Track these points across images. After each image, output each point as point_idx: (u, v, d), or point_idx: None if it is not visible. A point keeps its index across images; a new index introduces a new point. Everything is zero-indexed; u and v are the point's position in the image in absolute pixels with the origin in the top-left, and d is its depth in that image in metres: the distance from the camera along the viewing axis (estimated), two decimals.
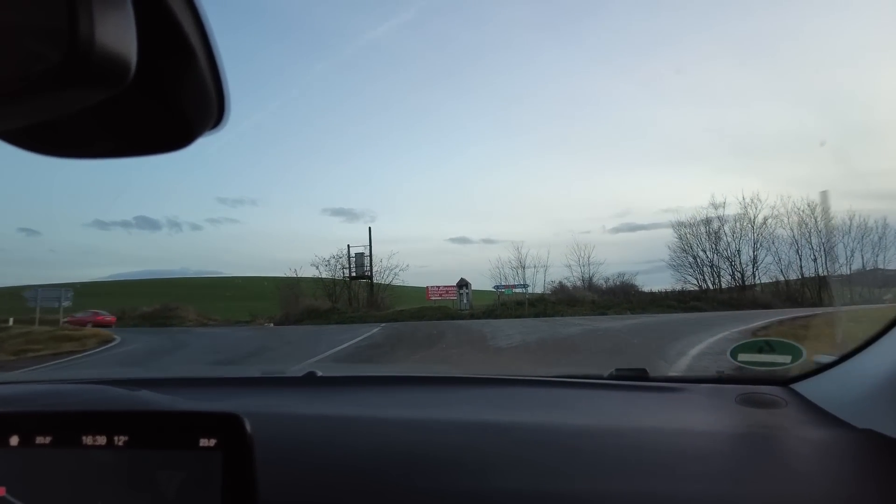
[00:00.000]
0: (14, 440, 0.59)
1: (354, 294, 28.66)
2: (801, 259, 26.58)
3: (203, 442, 0.57)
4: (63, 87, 0.35)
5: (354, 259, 28.95)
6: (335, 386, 1.12)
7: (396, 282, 29.29)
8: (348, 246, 29.27)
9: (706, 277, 28.57)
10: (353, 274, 28.71)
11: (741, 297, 24.97)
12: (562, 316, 20.18)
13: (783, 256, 27.12)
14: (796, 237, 27.02)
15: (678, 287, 27.82)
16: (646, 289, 26.71)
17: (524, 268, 28.22)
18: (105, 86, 0.37)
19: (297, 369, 1.21)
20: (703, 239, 28.69)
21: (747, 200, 29.12)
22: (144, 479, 0.58)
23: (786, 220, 27.54)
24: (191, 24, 0.46)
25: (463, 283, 25.47)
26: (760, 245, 27.71)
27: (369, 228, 31.88)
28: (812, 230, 26.70)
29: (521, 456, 0.76)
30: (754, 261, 27.85)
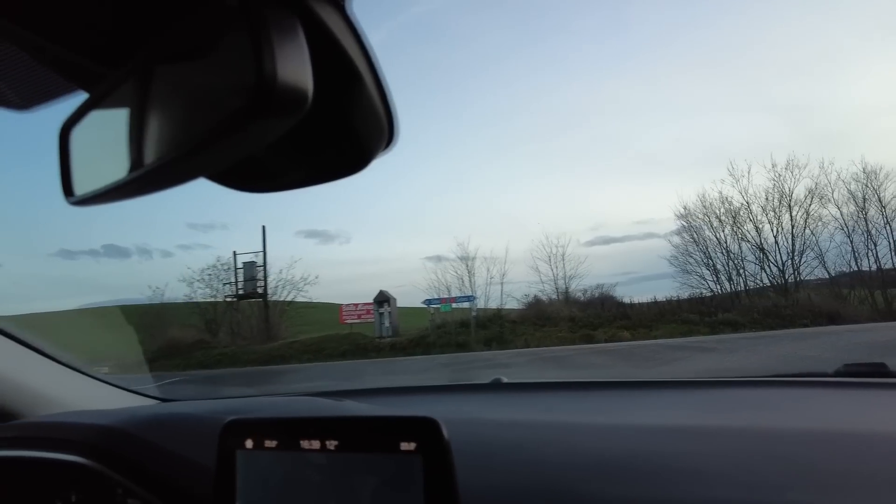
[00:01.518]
0: (249, 443, 0.68)
1: (246, 317, 20.31)
2: (853, 249, 17.71)
3: (403, 446, 0.60)
4: (254, 122, 0.39)
5: (243, 270, 20.34)
6: (522, 392, 1.11)
7: (303, 298, 20.79)
8: (234, 253, 20.73)
9: (724, 278, 19.59)
10: (241, 291, 20.23)
11: (794, 305, 16.30)
12: (511, 348, 14.08)
13: (831, 245, 18.36)
14: (845, 220, 18.20)
15: (685, 295, 19.12)
16: (636, 299, 18.92)
17: (471, 274, 19.63)
18: (289, 115, 0.40)
19: (483, 377, 1.22)
20: (720, 222, 19.65)
21: (781, 167, 19.53)
22: (351, 479, 0.62)
23: (832, 194, 18.60)
24: (355, 48, 0.48)
25: (383, 299, 17.97)
26: (807, 228, 18.71)
27: (263, 227, 20.63)
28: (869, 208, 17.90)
29: (729, 464, 0.67)
30: (793, 252, 18.53)
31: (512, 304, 19.78)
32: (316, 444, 0.64)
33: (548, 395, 1.08)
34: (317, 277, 21.77)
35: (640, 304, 18.31)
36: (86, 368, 1.34)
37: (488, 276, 19.95)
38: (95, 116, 0.57)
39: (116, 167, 0.55)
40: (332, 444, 0.63)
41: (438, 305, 18.03)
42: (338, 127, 0.54)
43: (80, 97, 0.62)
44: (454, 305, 17.97)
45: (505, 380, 1.17)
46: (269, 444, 0.67)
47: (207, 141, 0.42)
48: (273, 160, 0.57)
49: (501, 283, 19.95)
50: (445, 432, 0.59)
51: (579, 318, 16.76)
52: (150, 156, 0.50)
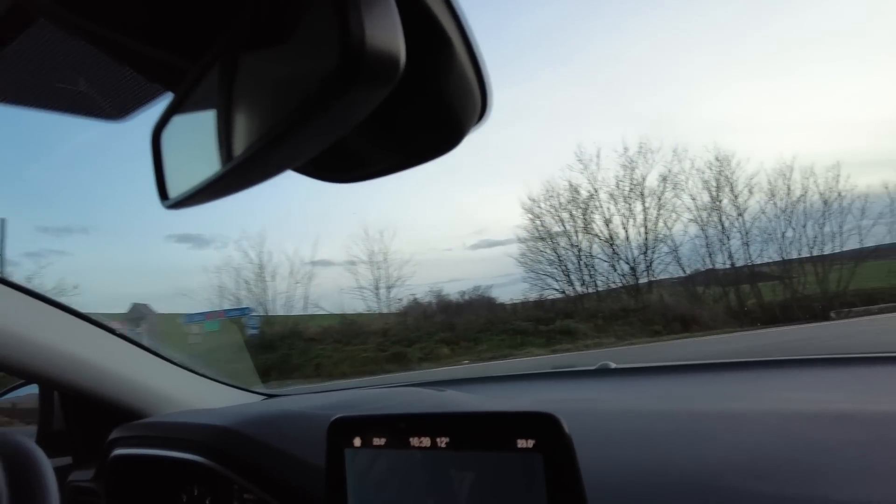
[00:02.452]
0: (357, 441, 0.66)
1: None
2: (708, 243, 15.11)
3: (521, 443, 0.55)
4: (341, 94, 0.35)
5: None
6: (633, 377, 1.03)
7: None
8: None
9: (576, 278, 16.19)
10: None
11: (644, 309, 13.76)
12: (292, 379, 11.44)
13: (686, 238, 15.62)
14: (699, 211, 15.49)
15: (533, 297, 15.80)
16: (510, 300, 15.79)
17: (268, 279, 15.33)
18: (379, 84, 0.36)
19: (588, 363, 1.15)
20: (571, 215, 16.43)
21: (633, 151, 16.62)
22: (465, 478, 0.58)
23: (686, 182, 15.90)
24: (447, 15, 0.43)
25: (138, 315, 12.11)
26: (660, 220, 15.95)
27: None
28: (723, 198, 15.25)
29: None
30: (646, 247, 15.88)
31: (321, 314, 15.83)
32: (426, 442, 0.60)
33: (662, 380, 0.99)
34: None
35: (475, 309, 15.28)
36: (197, 368, 1.40)
37: (291, 280, 15.78)
38: (182, 115, 0.55)
39: (207, 165, 0.53)
40: (443, 442, 0.60)
41: (202, 322, 13.31)
42: (428, 102, 0.49)
43: (168, 98, 0.62)
44: (224, 320, 13.53)
45: (613, 365, 1.09)
46: (378, 441, 0.64)
47: (295, 122, 0.39)
48: (362, 146, 0.54)
49: (307, 291, 15.87)
50: (566, 428, 0.53)
51: (394, 332, 13.74)
52: (238, 149, 0.47)
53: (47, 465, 0.65)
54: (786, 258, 14.90)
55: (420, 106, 0.50)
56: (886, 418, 0.65)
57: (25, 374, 1.20)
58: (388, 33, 0.34)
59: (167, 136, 0.58)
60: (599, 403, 0.86)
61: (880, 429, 0.63)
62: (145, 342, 1.32)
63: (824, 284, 13.93)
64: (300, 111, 0.37)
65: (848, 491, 0.54)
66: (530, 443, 0.54)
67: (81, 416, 1.28)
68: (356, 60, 0.33)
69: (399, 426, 0.62)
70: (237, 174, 0.48)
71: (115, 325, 1.27)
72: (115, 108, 0.65)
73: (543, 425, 0.54)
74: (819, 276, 14.17)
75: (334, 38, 0.33)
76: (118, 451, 1.02)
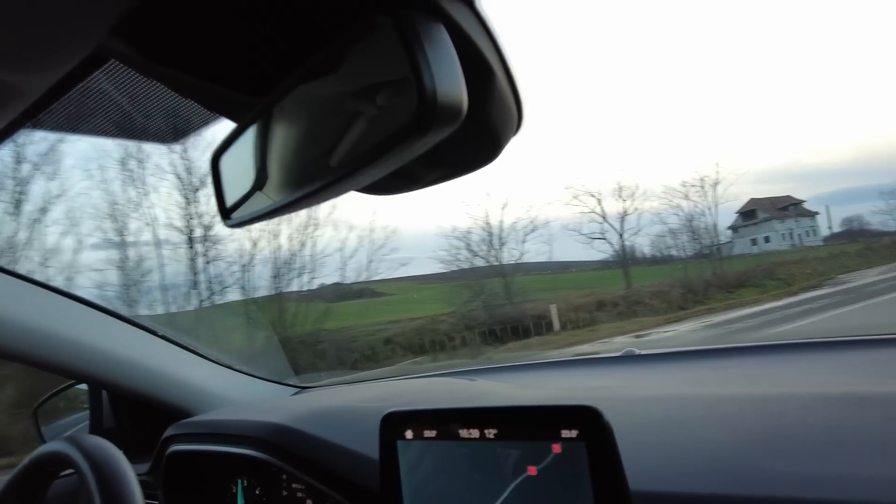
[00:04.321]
0: (409, 433, 0.71)
1: None
2: None
3: (565, 433, 0.60)
4: (416, 138, 0.40)
5: None
6: (658, 363, 1.08)
7: None
8: None
9: None
10: None
11: None
12: None
13: None
14: None
15: None
16: None
17: None
18: (448, 126, 0.40)
19: (613, 349, 1.20)
20: None
21: None
22: (512, 467, 0.64)
23: None
24: (486, 42, 0.47)
25: None
26: None
27: None
28: None
29: None
30: None
31: None
32: (475, 433, 0.66)
33: (685, 365, 1.04)
34: None
35: None
36: (234, 364, 1.46)
37: None
38: (244, 144, 0.60)
39: (271, 191, 0.58)
40: (490, 433, 0.65)
41: None
42: (472, 123, 0.54)
43: (224, 124, 0.66)
44: None
45: (637, 351, 1.13)
46: (429, 434, 0.69)
47: (368, 159, 0.43)
48: (413, 165, 0.58)
49: None
50: (607, 419, 0.58)
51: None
52: (305, 178, 0.52)
53: (131, 470, 0.71)
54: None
55: (464, 127, 0.54)
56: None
57: (74, 375, 1.27)
58: (454, 86, 0.39)
59: (227, 161, 0.62)
60: (627, 390, 0.91)
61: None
62: (184, 341, 1.39)
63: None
64: (374, 150, 0.42)
65: (869, 468, 0.59)
66: (574, 433, 0.59)
67: (129, 413, 1.34)
68: (430, 112, 0.37)
69: (449, 419, 0.68)
70: (299, 201, 0.53)
71: None
72: (172, 133, 0.69)
73: (586, 416, 0.59)
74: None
75: (411, 93, 0.37)
76: (175, 448, 1.08)
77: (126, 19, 0.45)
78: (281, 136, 0.54)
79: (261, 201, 0.58)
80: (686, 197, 12.50)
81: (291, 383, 1.58)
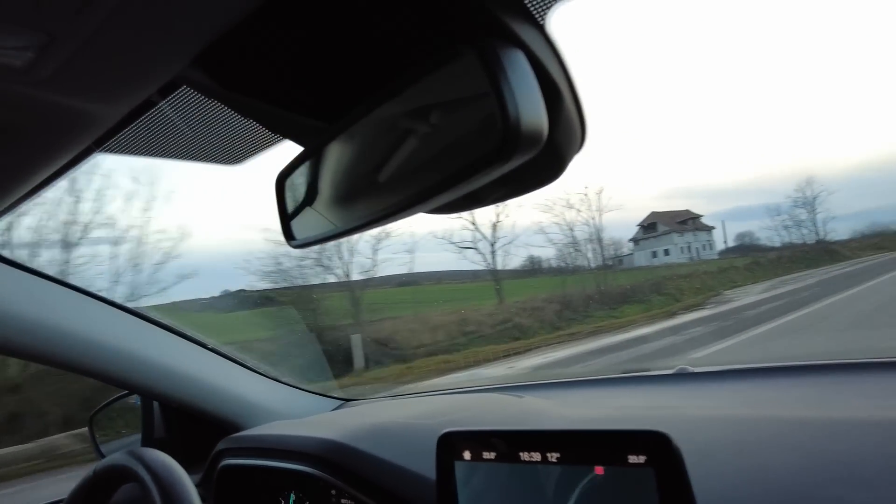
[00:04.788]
0: (467, 454, 0.71)
1: None
2: None
3: (632, 458, 0.58)
4: (498, 165, 0.40)
5: None
6: (715, 381, 1.05)
7: None
8: None
9: None
10: None
11: None
12: None
13: None
14: None
15: None
16: None
17: None
18: (529, 152, 0.40)
19: (663, 366, 1.17)
20: None
21: None
22: (576, 492, 0.62)
23: None
24: (556, 66, 0.47)
25: None
26: None
27: None
28: None
29: None
30: None
31: None
32: (536, 457, 0.65)
33: (745, 384, 1.00)
34: None
35: None
36: (281, 377, 1.48)
37: None
38: (310, 167, 0.61)
39: (333, 213, 0.59)
40: (553, 457, 0.64)
41: None
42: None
43: (287, 146, 0.67)
44: None
45: (691, 369, 1.11)
46: (488, 455, 0.69)
47: (441, 187, 0.43)
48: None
49: None
50: (677, 445, 0.57)
51: None
52: (370, 202, 0.52)
53: (191, 482, 0.72)
54: None
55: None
56: None
57: (128, 386, 1.30)
58: (536, 113, 0.38)
59: (292, 184, 0.63)
60: (685, 410, 0.88)
61: None
62: (231, 353, 1.41)
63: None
64: (453, 177, 0.42)
65: None
66: (642, 458, 0.58)
67: (180, 423, 1.37)
68: (514, 140, 0.37)
69: (509, 441, 0.67)
70: (368, 224, 0.53)
71: None
72: (234, 155, 0.71)
73: (654, 442, 0.58)
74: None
75: (491, 120, 0.37)
76: (227, 462, 1.10)
77: (207, 49, 0.46)
78: (348, 160, 0.55)
79: (325, 223, 0.59)
80: (573, 208, 12.05)
81: (335, 395, 1.60)
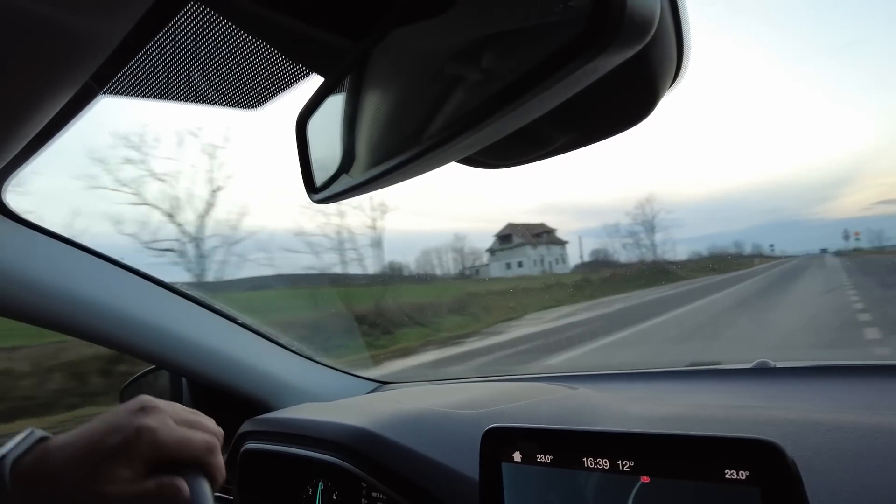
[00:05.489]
0: (517, 455, 0.59)
1: None
2: None
3: (730, 474, 0.46)
4: (587, 56, 0.28)
5: None
6: (802, 379, 0.90)
7: None
8: None
9: None
10: None
11: None
12: None
13: None
14: None
15: None
16: None
17: None
18: (632, 42, 0.28)
19: (737, 359, 1.03)
20: None
21: None
22: None
23: None
24: None
25: None
26: None
27: None
28: None
29: None
30: None
31: None
32: (604, 464, 0.53)
33: (838, 383, 0.86)
34: None
35: None
36: (313, 355, 1.40)
37: None
38: (334, 104, 0.50)
39: (371, 157, 0.48)
40: (626, 465, 0.52)
41: None
42: (626, 66, 0.41)
43: (311, 83, 0.57)
44: None
45: (772, 363, 0.96)
46: (543, 458, 0.57)
47: (490, 112, 0.32)
48: (540, 124, 0.46)
49: None
50: (791, 458, 0.44)
51: None
52: (408, 139, 0.41)
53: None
54: None
55: (616, 72, 0.41)
56: None
57: (155, 360, 1.24)
58: None
59: (316, 125, 0.53)
60: (772, 411, 0.75)
61: None
62: (263, 329, 1.34)
63: None
64: (513, 90, 0.30)
65: None
66: (743, 474, 0.46)
67: (208, 400, 1.31)
68: (616, 19, 0.25)
69: (570, 442, 0.55)
70: (406, 167, 0.42)
71: None
72: (252, 97, 0.61)
73: (761, 453, 0.45)
74: None
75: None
76: (250, 445, 1.02)
77: None
78: (377, 92, 0.44)
79: (358, 172, 0.48)
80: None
81: (371, 377, 1.51)
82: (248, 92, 0.60)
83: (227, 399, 1.24)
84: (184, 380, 1.33)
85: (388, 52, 0.42)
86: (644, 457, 0.51)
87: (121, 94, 0.62)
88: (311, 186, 0.54)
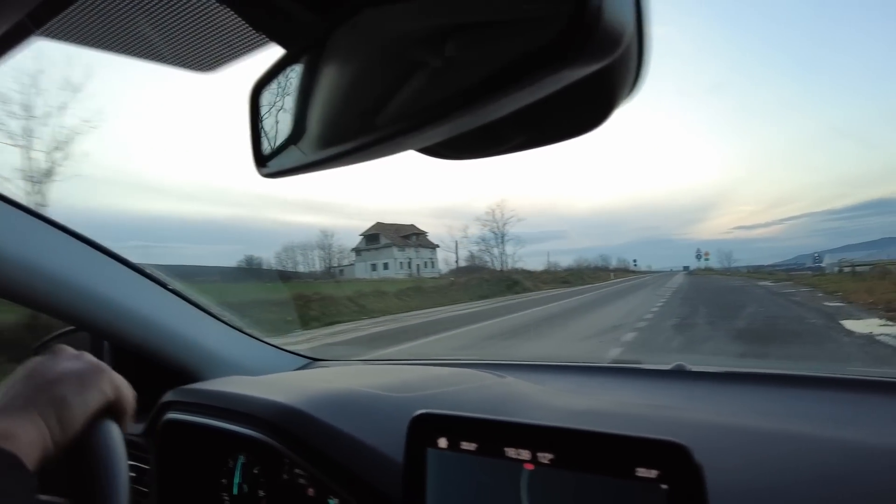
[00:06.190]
0: (443, 442, 0.61)
1: None
2: None
3: (641, 472, 0.49)
4: (558, 65, 0.28)
5: None
6: (716, 383, 0.96)
7: None
8: None
9: None
10: None
11: None
12: None
13: None
14: None
15: None
16: None
17: None
18: (601, 54, 0.29)
19: (658, 361, 1.09)
20: None
21: None
22: (568, 502, 0.53)
23: None
24: None
25: None
26: None
27: None
28: None
29: None
30: None
31: None
32: (525, 455, 0.55)
33: (753, 390, 0.92)
34: None
35: None
36: (246, 328, 1.37)
37: None
38: (291, 77, 0.49)
39: (319, 135, 0.47)
40: (545, 458, 0.54)
41: None
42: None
43: (268, 53, 0.55)
44: None
45: (689, 366, 1.02)
46: (467, 446, 0.59)
47: (465, 101, 0.32)
48: (501, 121, 0.47)
49: None
50: (697, 461, 0.48)
51: None
52: (364, 126, 0.41)
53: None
54: None
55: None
56: None
57: (76, 322, 1.18)
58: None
59: (270, 97, 0.51)
60: (688, 413, 0.80)
61: None
62: (194, 297, 1.30)
63: None
64: (477, 89, 0.31)
65: None
66: (654, 473, 0.49)
67: (131, 368, 1.26)
68: (588, 27, 0.26)
69: (495, 432, 0.57)
70: (360, 151, 0.42)
71: None
72: (205, 59, 0.58)
73: (670, 455, 0.48)
74: None
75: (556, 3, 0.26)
76: (171, 415, 1.00)
77: None
78: (337, 71, 0.43)
79: (305, 151, 0.48)
80: None
81: (302, 353, 1.50)
82: (202, 53, 0.57)
83: (152, 366, 1.20)
84: (105, 343, 1.27)
85: (356, 32, 0.41)
86: (564, 450, 0.53)
87: (58, 38, 0.58)
88: (259, 159, 0.53)
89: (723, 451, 0.65)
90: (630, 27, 0.27)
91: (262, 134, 0.52)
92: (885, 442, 0.66)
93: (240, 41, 0.55)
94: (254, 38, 0.54)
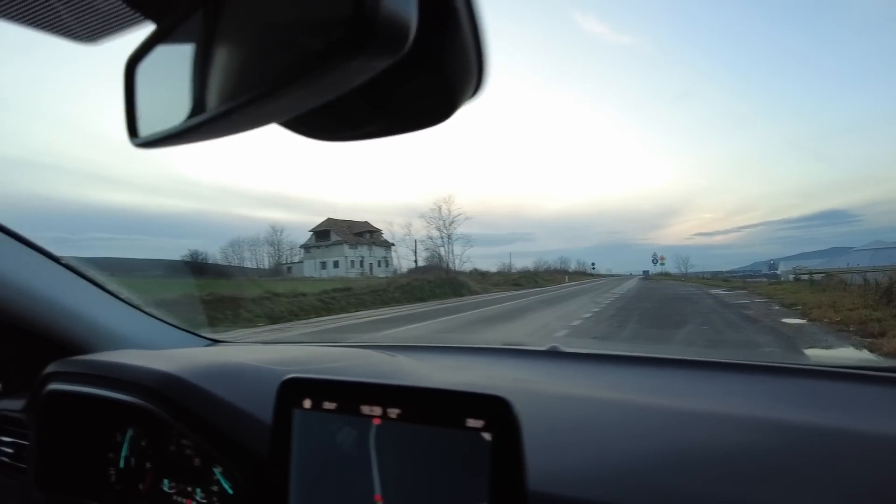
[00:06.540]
0: (307, 402, 0.66)
1: None
2: None
3: (470, 422, 0.56)
4: (345, 59, 0.34)
5: None
6: (582, 362, 1.06)
7: None
8: None
9: None
10: None
11: None
12: None
13: None
14: None
15: None
16: None
17: None
18: (386, 55, 0.35)
19: (538, 343, 1.18)
20: None
21: None
22: (411, 450, 0.60)
23: None
24: None
25: None
26: None
27: None
28: None
29: (830, 469, 0.61)
30: None
31: None
32: (377, 411, 0.61)
33: (612, 369, 1.02)
34: None
35: None
36: (144, 307, 1.36)
37: None
38: (163, 51, 0.52)
39: (184, 108, 0.51)
40: (393, 413, 0.60)
41: None
42: (426, 70, 0.48)
43: (148, 29, 0.58)
44: None
45: (562, 347, 1.12)
46: (328, 405, 0.64)
47: (291, 77, 0.37)
48: (353, 106, 0.52)
49: None
50: (516, 412, 0.55)
51: None
52: (225, 95, 0.45)
53: None
54: None
55: (417, 73, 0.48)
56: (807, 430, 0.70)
57: None
58: (402, 3, 0.33)
59: (144, 70, 0.55)
60: (548, 386, 0.88)
61: (800, 440, 0.68)
62: (92, 274, 1.28)
63: None
64: (297, 67, 0.36)
65: (763, 495, 0.59)
66: (480, 423, 0.56)
67: (14, 342, 1.23)
68: (367, 28, 0.32)
69: (351, 392, 0.63)
70: (220, 121, 0.46)
71: None
72: (86, 29, 0.60)
73: (494, 407, 0.55)
74: None
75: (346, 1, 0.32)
76: (53, 386, 0.99)
77: None
78: (201, 46, 0.47)
79: (172, 121, 0.51)
80: None
81: (205, 335, 1.50)
82: (84, 22, 0.59)
83: (37, 340, 1.17)
84: None
85: (216, 10, 0.45)
86: (408, 406, 0.60)
87: None
88: (133, 131, 0.56)
89: (562, 415, 0.74)
90: (412, 24, 0.33)
91: (136, 107, 0.56)
92: (710, 409, 0.77)
93: (119, 15, 0.58)
94: (131, 15, 0.57)
